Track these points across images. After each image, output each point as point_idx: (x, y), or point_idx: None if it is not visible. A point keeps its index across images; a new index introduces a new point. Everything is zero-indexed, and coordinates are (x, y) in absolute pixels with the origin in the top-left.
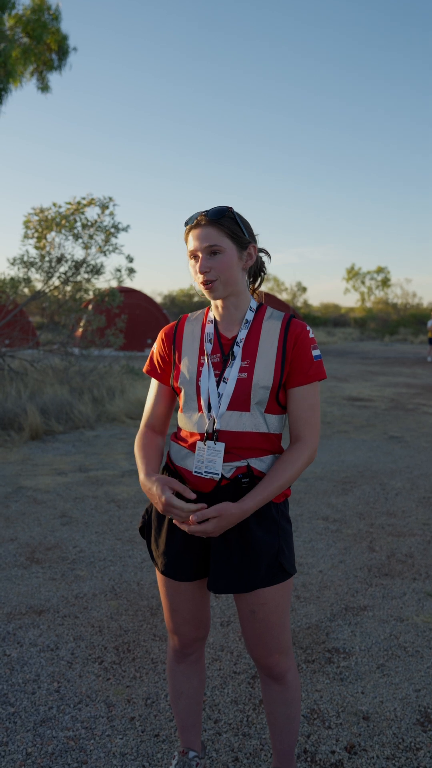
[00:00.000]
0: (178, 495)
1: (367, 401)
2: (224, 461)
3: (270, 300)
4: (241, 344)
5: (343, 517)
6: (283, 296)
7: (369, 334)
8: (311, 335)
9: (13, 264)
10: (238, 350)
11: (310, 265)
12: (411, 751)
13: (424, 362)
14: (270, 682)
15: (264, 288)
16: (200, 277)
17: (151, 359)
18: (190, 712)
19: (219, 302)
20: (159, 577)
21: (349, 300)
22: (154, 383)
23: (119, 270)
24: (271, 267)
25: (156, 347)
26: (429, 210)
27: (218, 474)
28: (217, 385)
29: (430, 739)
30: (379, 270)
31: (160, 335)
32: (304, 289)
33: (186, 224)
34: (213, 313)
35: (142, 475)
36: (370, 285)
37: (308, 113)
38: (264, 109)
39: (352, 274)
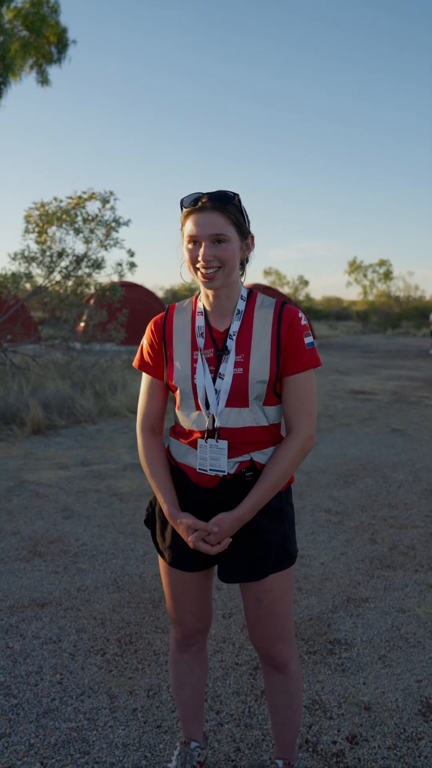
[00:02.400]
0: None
1: (369, 394)
2: (227, 457)
3: (271, 294)
4: (234, 337)
5: (345, 509)
6: (285, 290)
7: (371, 327)
8: (304, 322)
9: (14, 259)
10: (231, 344)
11: (313, 260)
12: (412, 741)
13: (426, 355)
14: (272, 672)
15: (266, 281)
16: (200, 265)
17: (141, 353)
18: (192, 703)
19: (210, 292)
20: (163, 568)
21: (351, 293)
22: (146, 378)
23: (120, 264)
24: (274, 262)
25: (146, 340)
26: (431, 203)
27: (224, 471)
28: (213, 382)
29: None
30: (381, 263)
31: (149, 328)
32: (306, 283)
33: (184, 204)
34: (202, 303)
35: (166, 508)
36: (372, 278)
37: (309, 107)
38: (265, 104)
39: (354, 267)
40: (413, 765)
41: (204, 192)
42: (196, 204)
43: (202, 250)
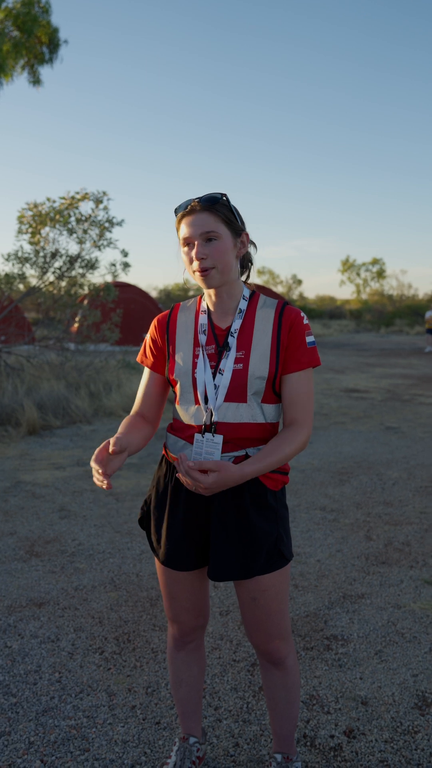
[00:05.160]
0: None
1: (363, 392)
2: (222, 452)
3: (266, 293)
4: (235, 334)
5: (341, 507)
6: (279, 289)
7: (365, 325)
8: (305, 321)
9: (7, 260)
10: (232, 341)
11: (307, 257)
12: (409, 734)
13: (420, 353)
14: (270, 667)
15: (259, 281)
16: (196, 265)
17: (145, 348)
18: (190, 699)
19: (212, 291)
20: (158, 566)
21: (344, 292)
22: (146, 372)
23: (114, 264)
24: (269, 260)
25: (149, 336)
26: (424, 201)
27: None
28: (213, 377)
29: (428, 722)
30: (375, 261)
31: (153, 324)
32: (299, 282)
33: (177, 211)
34: (206, 303)
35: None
36: (366, 277)
37: (303, 105)
38: (259, 102)
39: (347, 266)
40: (410, 758)
41: (194, 197)
42: (186, 208)
43: (195, 250)
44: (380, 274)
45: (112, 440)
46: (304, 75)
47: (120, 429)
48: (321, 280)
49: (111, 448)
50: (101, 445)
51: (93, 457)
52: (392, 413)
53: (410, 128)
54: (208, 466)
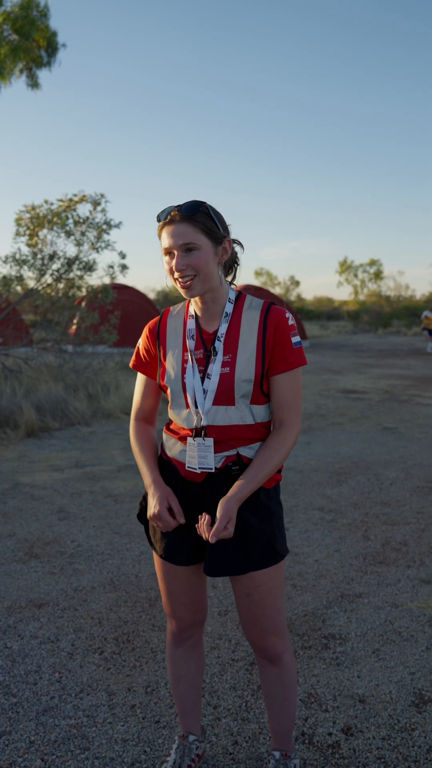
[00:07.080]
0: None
1: (361, 393)
2: (214, 452)
3: (263, 294)
4: (222, 339)
5: (338, 507)
6: (276, 290)
7: (362, 326)
8: (291, 322)
9: (5, 262)
10: (219, 345)
11: (305, 258)
12: (406, 731)
13: (417, 354)
14: (267, 664)
15: (257, 282)
16: (177, 275)
17: (138, 354)
18: (189, 696)
19: (197, 297)
20: (157, 562)
21: (342, 293)
22: (140, 377)
23: (112, 266)
24: (267, 261)
25: (141, 342)
26: (421, 202)
27: (212, 468)
28: (202, 382)
29: (425, 719)
30: (372, 263)
31: (145, 331)
32: (297, 283)
33: (159, 220)
34: (193, 308)
35: (148, 479)
36: (363, 278)
37: (302, 106)
38: (257, 103)
39: (345, 267)
40: (407, 755)
41: (176, 205)
42: (167, 217)
43: (175, 261)
44: (378, 275)
45: (163, 506)
46: (304, 76)
47: (148, 461)
48: (319, 282)
49: (180, 520)
50: (164, 515)
51: (158, 519)
52: (390, 414)
53: (409, 130)
54: (224, 521)
